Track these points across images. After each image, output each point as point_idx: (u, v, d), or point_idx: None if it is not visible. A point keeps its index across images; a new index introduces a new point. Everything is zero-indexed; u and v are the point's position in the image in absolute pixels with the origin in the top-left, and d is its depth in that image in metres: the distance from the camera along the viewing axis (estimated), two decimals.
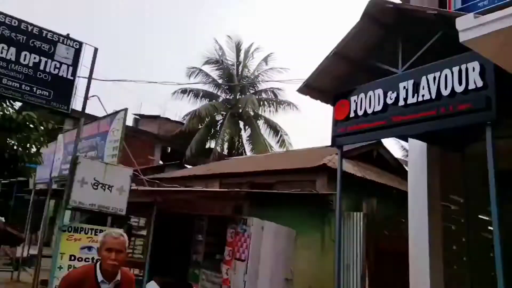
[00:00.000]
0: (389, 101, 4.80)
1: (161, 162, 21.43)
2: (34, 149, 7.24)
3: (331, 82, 5.66)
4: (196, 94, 23.09)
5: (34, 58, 5.63)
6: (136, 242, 8.41)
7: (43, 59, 5.72)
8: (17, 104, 6.95)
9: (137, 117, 25.22)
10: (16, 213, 16.00)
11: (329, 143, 5.67)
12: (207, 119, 21.68)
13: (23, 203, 14.68)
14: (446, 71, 4.23)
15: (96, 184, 5.76)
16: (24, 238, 9.77)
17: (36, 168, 9.53)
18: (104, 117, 7.20)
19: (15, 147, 6.94)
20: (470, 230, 5.78)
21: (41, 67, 5.69)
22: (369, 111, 5.04)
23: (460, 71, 4.10)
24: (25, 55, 5.56)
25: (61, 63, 5.86)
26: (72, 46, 5.99)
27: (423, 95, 4.43)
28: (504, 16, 2.81)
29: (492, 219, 3.61)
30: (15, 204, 17.15)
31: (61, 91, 5.85)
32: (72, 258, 5.62)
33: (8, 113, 6.71)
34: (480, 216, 5.82)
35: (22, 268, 10.02)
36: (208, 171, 12.30)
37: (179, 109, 61.32)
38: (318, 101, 5.93)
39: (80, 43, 6.09)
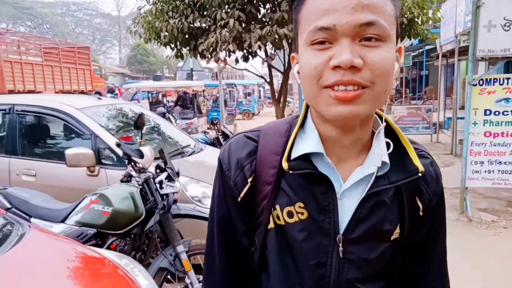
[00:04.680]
0: None
1: None
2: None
3: None
4: None
5: None
6: None
7: None
8: None
9: None
10: (428, 81, 18.44)
11: None
12: None
13: (434, 69, 15.84)
14: None
15: (508, 24, 4.44)
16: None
17: (438, 33, 8.86)
18: None
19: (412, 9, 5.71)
20: None
21: None
22: None
23: None
24: None
25: None
26: None
27: None
28: None
29: None
30: (427, 73, 18.60)
31: None
32: (487, 112, 4.66)
33: None
34: None
35: (440, 131, 10.88)
36: None
37: None
38: None
39: None
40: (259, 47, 5.11)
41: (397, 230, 0.80)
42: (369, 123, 0.76)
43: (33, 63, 12.78)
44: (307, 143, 0.76)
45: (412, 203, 0.81)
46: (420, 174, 0.75)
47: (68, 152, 3.19)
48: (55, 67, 13.82)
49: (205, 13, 5.17)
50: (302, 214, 0.77)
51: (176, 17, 5.28)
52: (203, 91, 15.35)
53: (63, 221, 2.78)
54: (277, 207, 0.78)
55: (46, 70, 13.24)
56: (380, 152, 0.74)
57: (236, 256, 0.87)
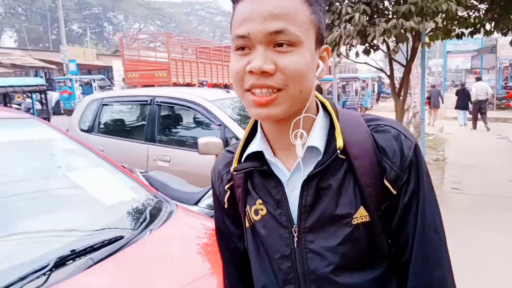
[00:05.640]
0: None
1: None
2: None
3: None
4: None
5: None
6: None
7: None
8: None
9: None
10: None
11: None
12: None
13: None
14: None
15: None
16: None
17: None
18: None
19: None
20: None
21: None
22: None
23: None
24: None
25: None
26: None
27: None
28: None
29: None
30: None
31: None
32: None
33: None
34: None
35: None
36: None
37: None
38: None
39: None
40: (384, 41, 4.92)
41: (362, 213, 0.76)
42: (299, 116, 0.76)
43: (190, 60, 15.92)
44: (254, 144, 0.82)
45: (379, 183, 0.76)
46: (338, 151, 0.75)
47: (200, 140, 3.48)
48: (207, 64, 16.79)
49: (330, 8, 5.14)
50: (262, 210, 0.82)
51: None
52: (316, 85, 15.28)
53: (196, 204, 3.04)
54: (247, 207, 0.85)
55: (200, 67, 16.26)
56: (296, 143, 0.75)
57: (236, 259, 0.94)
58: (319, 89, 17.91)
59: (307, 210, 0.77)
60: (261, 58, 0.69)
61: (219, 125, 3.84)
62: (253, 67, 0.69)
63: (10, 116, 2.06)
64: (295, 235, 0.78)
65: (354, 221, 0.76)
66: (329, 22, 5.25)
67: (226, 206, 0.90)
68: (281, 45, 0.70)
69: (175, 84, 14.20)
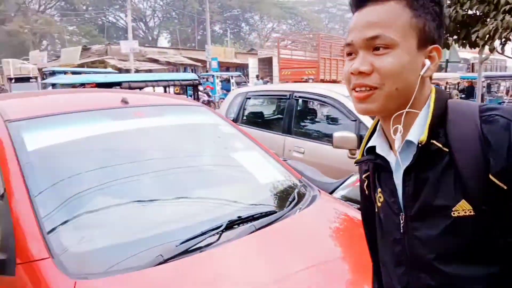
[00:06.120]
0: None
1: None
2: None
3: None
4: None
5: None
6: None
7: None
8: None
9: None
10: None
11: None
12: None
13: None
14: None
15: None
16: None
17: None
18: None
19: None
20: None
21: None
22: None
23: None
24: None
25: None
26: None
27: None
28: None
29: None
30: None
31: None
32: None
33: None
34: None
35: None
36: None
37: None
38: None
39: None
40: None
41: (464, 206, 0.75)
42: (400, 112, 0.82)
43: (337, 59, 17.17)
44: (372, 139, 0.92)
45: (483, 178, 0.73)
46: (420, 145, 0.79)
47: (335, 134, 3.58)
48: None
49: None
50: (381, 198, 0.92)
51: (450, 5, 4.94)
52: (458, 83, 14.01)
53: (330, 193, 3.17)
54: (375, 194, 0.95)
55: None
56: (395, 137, 0.82)
57: (376, 242, 1.01)
58: (470, 88, 16.35)
59: (410, 200, 0.82)
60: (359, 61, 0.81)
61: (354, 120, 3.89)
62: (352, 68, 0.82)
63: (185, 103, 2.48)
64: (402, 222, 0.85)
65: (454, 213, 0.76)
66: (480, 13, 4.76)
67: (366, 192, 1.02)
68: (378, 48, 0.79)
69: (322, 81, 15.06)
